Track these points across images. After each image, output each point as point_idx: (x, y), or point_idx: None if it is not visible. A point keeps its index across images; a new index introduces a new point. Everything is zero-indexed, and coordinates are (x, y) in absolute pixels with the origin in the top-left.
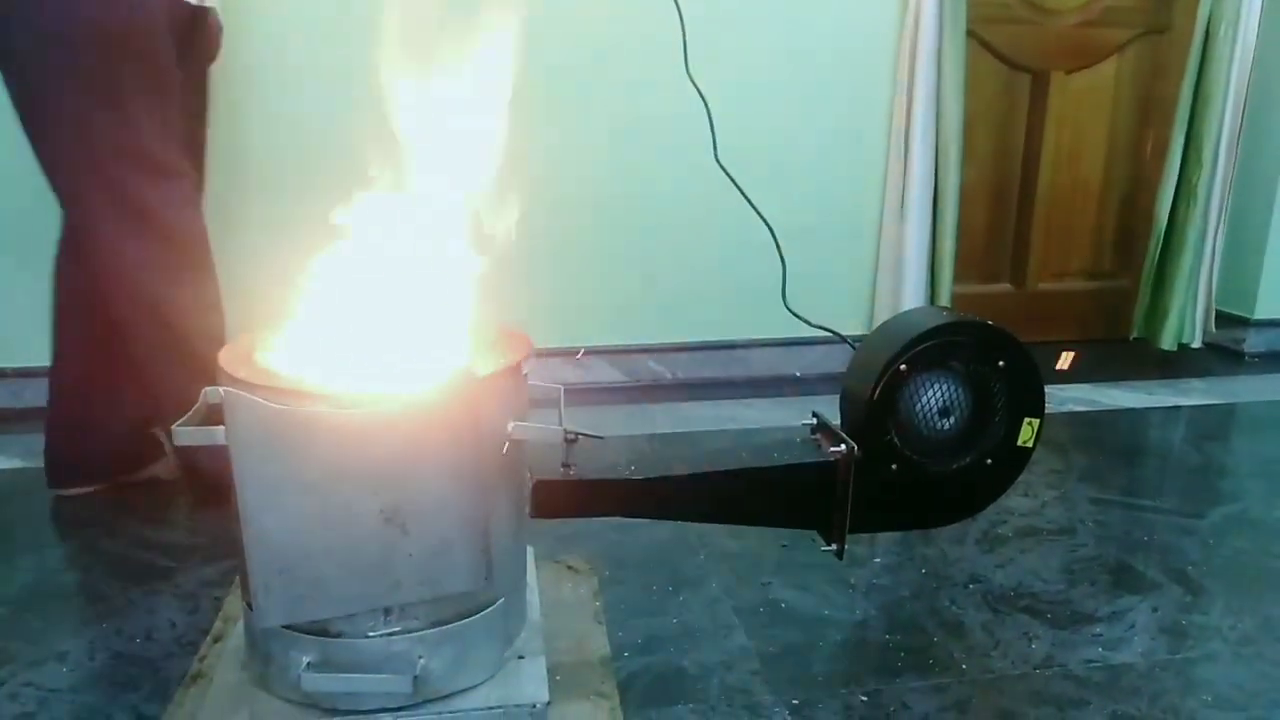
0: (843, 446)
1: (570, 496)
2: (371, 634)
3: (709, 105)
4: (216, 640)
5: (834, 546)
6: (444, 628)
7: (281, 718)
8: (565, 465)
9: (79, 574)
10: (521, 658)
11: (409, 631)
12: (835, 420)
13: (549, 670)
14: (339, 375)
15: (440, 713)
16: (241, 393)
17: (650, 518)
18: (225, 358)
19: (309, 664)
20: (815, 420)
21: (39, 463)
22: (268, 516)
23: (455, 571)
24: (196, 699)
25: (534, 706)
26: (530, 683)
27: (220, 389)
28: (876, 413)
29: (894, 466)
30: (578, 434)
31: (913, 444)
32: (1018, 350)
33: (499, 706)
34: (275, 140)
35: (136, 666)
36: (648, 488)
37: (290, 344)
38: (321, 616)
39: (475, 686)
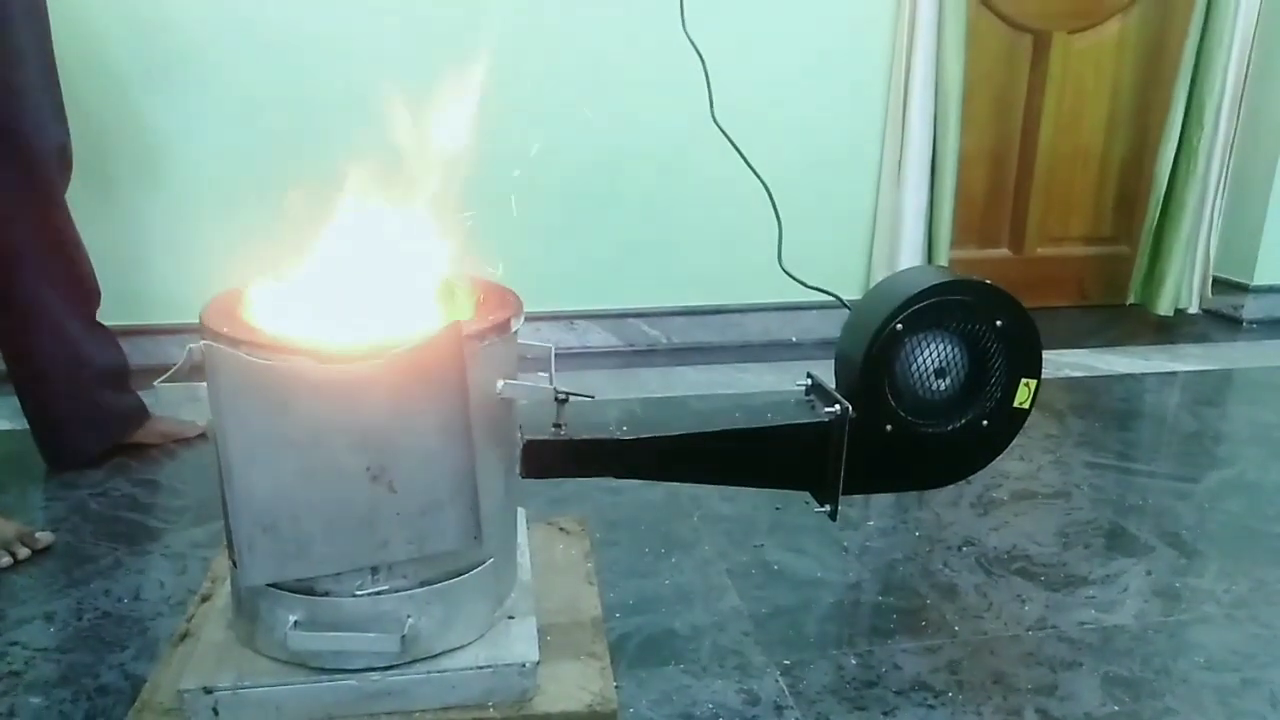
0: (836, 407)
1: (561, 456)
2: (359, 593)
3: (706, 63)
4: (205, 600)
5: (827, 508)
6: (433, 587)
7: (268, 676)
8: (556, 425)
9: (68, 535)
10: (511, 618)
11: (397, 590)
12: (831, 383)
13: (539, 631)
14: (323, 330)
15: (429, 672)
16: (224, 348)
17: (642, 479)
18: (208, 314)
19: (295, 622)
20: (810, 381)
21: (26, 424)
22: (252, 473)
23: (444, 530)
24: (184, 657)
25: (523, 665)
26: (520, 642)
27: (202, 344)
28: (871, 373)
29: (889, 428)
30: (569, 394)
31: (908, 405)
32: (1016, 310)
33: (488, 666)
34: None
35: (124, 626)
36: (639, 448)
37: (273, 301)
38: (307, 575)
39: (464, 646)
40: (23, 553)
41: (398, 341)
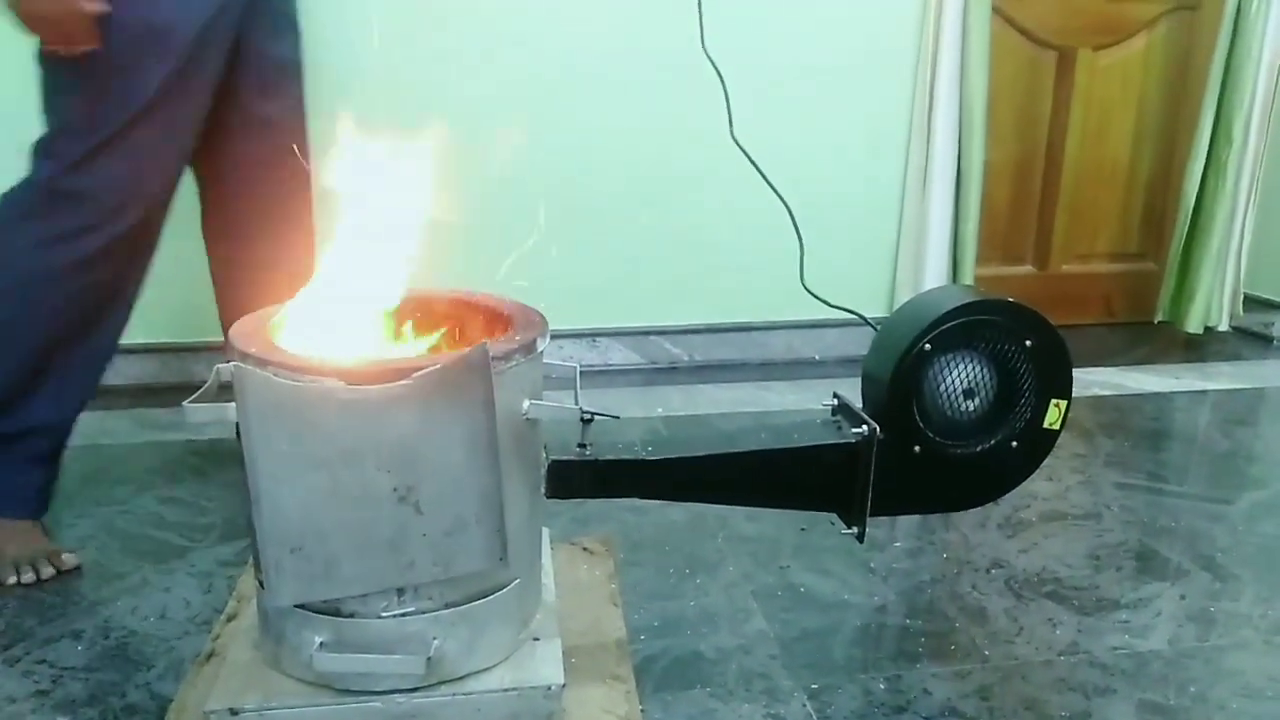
0: (864, 428)
1: (587, 477)
2: (385, 614)
3: (725, 81)
4: (230, 619)
5: (854, 529)
6: (458, 608)
7: (294, 698)
8: (581, 445)
9: (94, 553)
10: (537, 639)
11: (423, 612)
12: (857, 403)
13: (564, 652)
14: (351, 351)
15: (454, 694)
16: (252, 368)
17: (667, 499)
18: (236, 333)
19: (321, 644)
20: (836, 401)
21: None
22: (280, 494)
23: (470, 551)
24: (210, 678)
25: (549, 689)
26: (545, 664)
27: (230, 364)
28: (899, 394)
29: (916, 449)
30: (594, 414)
31: (936, 425)
32: (1046, 330)
33: (514, 689)
34: None
35: (151, 645)
36: (664, 468)
37: (300, 321)
38: (333, 596)
39: (490, 668)
40: (46, 572)
41: (425, 361)
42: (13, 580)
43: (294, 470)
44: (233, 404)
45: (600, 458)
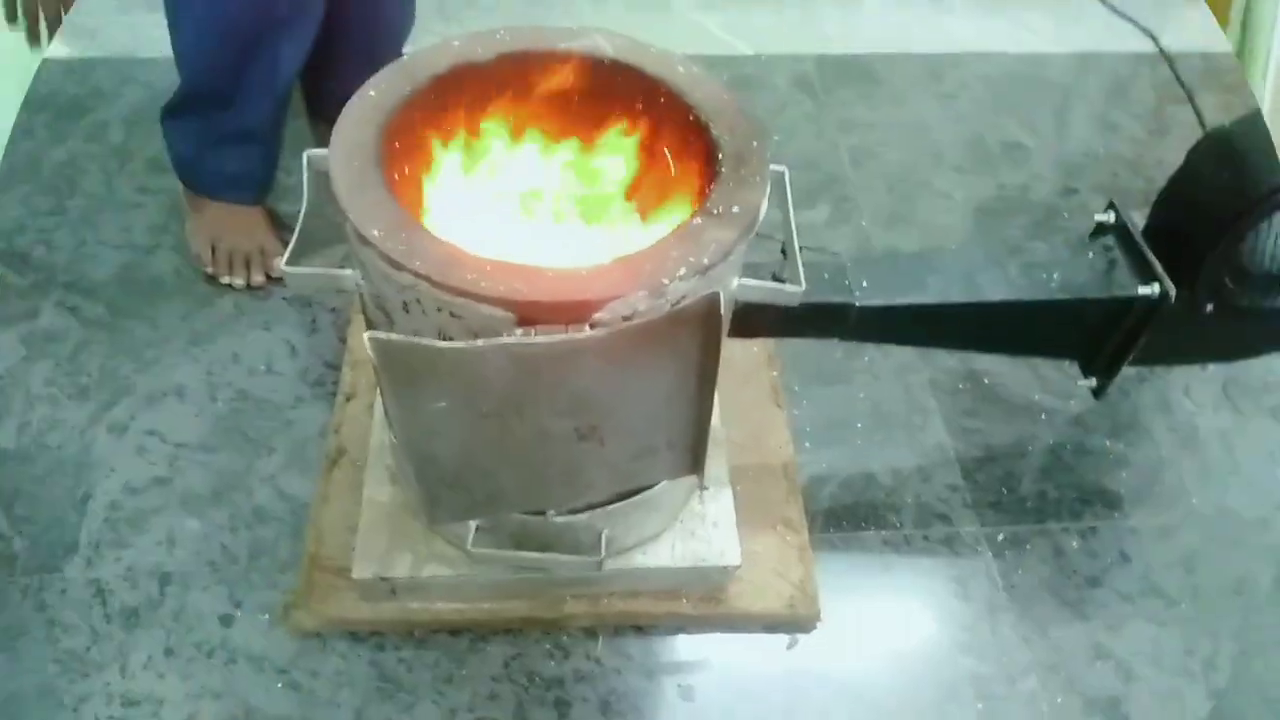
0: (1155, 287)
1: (780, 319)
2: (553, 517)
3: None
4: (348, 399)
5: (1094, 382)
6: (631, 500)
7: (448, 568)
8: (777, 279)
9: (174, 260)
10: (705, 489)
11: (593, 507)
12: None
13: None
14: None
15: (621, 567)
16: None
17: (874, 342)
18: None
19: (478, 527)
20: (1111, 217)
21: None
22: (433, 445)
23: (658, 469)
24: (341, 486)
25: (724, 569)
26: (719, 536)
27: (365, 336)
28: (1225, 249)
29: (1210, 307)
30: (801, 247)
31: (1247, 281)
32: None
33: (689, 565)
34: None
35: (264, 416)
36: (881, 316)
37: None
38: (499, 515)
39: (658, 535)
40: (257, 278)
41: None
42: (226, 280)
43: (451, 423)
44: (347, 272)
45: (808, 300)
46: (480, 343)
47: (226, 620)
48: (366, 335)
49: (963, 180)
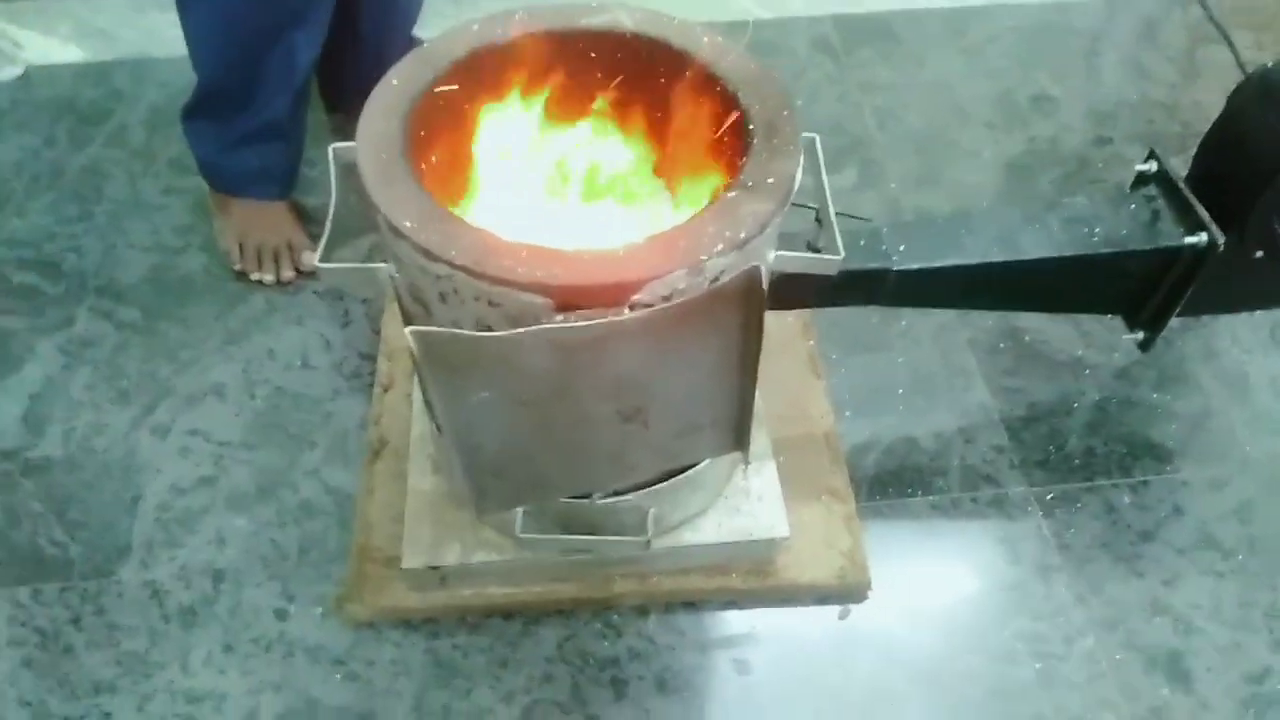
0: (1203, 236)
1: (816, 288)
2: (598, 500)
3: None
4: (386, 389)
5: (1140, 335)
6: (675, 479)
7: (497, 553)
8: (813, 248)
9: (203, 260)
10: (748, 464)
11: (639, 489)
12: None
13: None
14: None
15: (670, 546)
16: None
17: (913, 307)
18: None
19: (525, 512)
20: (1154, 165)
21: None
22: (478, 434)
23: (703, 446)
24: (385, 478)
25: (772, 541)
26: (765, 509)
27: (406, 331)
28: (1275, 193)
29: (1260, 254)
30: (838, 213)
31: None
32: None
33: (735, 540)
34: None
35: (303, 409)
36: (921, 280)
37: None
38: (544, 501)
39: (704, 512)
40: (286, 274)
41: (658, 278)
42: (256, 276)
43: (495, 413)
44: (381, 265)
45: (846, 268)
46: (520, 331)
47: (281, 614)
48: (408, 330)
49: (991, 136)
